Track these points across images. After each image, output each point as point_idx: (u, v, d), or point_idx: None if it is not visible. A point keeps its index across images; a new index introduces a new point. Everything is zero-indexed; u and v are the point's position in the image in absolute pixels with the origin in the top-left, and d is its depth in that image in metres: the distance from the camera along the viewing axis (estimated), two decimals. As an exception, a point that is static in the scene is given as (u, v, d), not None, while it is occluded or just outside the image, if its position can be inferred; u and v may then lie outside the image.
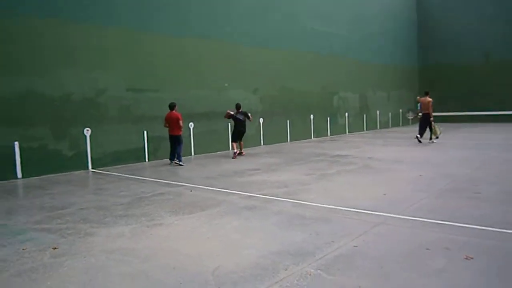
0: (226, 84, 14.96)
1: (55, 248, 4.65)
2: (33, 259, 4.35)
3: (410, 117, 15.85)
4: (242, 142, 13.47)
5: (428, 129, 15.36)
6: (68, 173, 10.42)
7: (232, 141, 13.35)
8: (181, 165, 11.28)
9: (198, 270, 3.93)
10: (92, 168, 11.00)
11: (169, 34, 12.93)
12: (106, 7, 11.39)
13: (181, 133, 11.51)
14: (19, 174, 9.70)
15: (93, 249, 4.60)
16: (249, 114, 13.30)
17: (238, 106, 13.23)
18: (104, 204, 6.87)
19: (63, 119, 10.52)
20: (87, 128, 10.96)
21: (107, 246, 4.72)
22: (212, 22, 14.30)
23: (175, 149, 11.48)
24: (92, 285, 3.68)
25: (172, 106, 11.40)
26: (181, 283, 3.66)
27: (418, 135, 15.28)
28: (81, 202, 7.05)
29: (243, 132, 13.29)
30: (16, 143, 9.66)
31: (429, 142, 15.05)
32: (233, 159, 12.42)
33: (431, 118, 15.07)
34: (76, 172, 10.54)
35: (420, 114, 15.50)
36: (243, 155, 13.31)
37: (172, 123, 11.37)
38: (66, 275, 3.90)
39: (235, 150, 12.98)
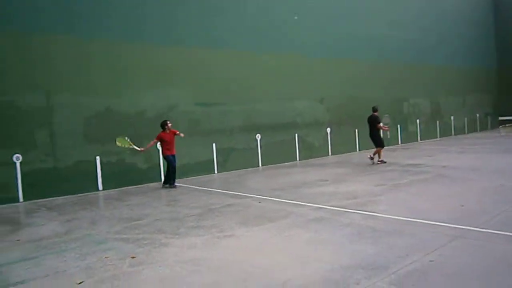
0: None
1: (133, 257, 4.91)
2: (114, 267, 4.62)
3: (502, 134, 13.84)
4: (379, 149, 12.57)
5: None
6: (144, 185, 10.97)
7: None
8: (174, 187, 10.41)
9: (268, 283, 3.95)
10: (165, 180, 11.49)
11: (236, 48, 13.26)
12: (178, 29, 11.95)
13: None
14: (100, 187, 10.39)
15: (168, 259, 4.80)
16: (379, 121, 12.55)
17: (375, 109, 12.77)
18: (176, 215, 7.15)
19: (138, 134, 11.12)
20: (159, 142, 11.48)
21: (181, 256, 4.90)
22: (280, 36, 14.46)
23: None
24: (168, 294, 3.83)
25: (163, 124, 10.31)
26: (252, 294, 3.70)
27: None
28: (156, 213, 7.39)
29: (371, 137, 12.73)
30: (98, 157, 10.38)
31: None
32: (304, 171, 12.42)
33: None
34: (151, 184, 11.07)
35: None
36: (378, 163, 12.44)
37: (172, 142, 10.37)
38: (144, 284, 4.11)
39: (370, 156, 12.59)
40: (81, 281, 4.23)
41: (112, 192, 10.21)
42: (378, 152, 12.55)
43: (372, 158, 12.50)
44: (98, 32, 10.53)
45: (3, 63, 9.24)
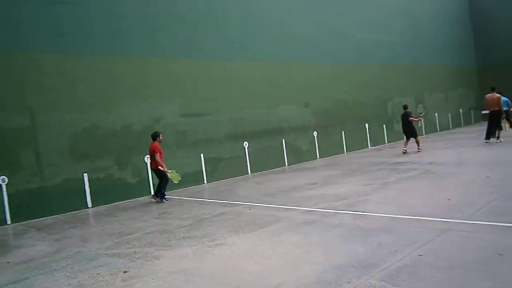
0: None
1: (125, 272, 4.89)
2: (106, 282, 4.60)
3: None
4: (417, 138, 14.62)
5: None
6: (133, 199, 10.90)
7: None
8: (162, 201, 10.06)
9: (261, 287, 3.97)
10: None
11: (218, 58, 13.32)
12: (161, 42, 11.95)
13: (159, 167, 9.98)
14: (89, 204, 10.29)
15: (160, 271, 4.79)
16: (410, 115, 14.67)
17: (406, 106, 15.07)
18: (167, 227, 7.13)
19: (125, 149, 11.08)
20: (147, 156, 11.45)
21: (173, 267, 4.89)
22: (261, 44, 14.57)
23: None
24: (161, 306, 3.83)
25: (152, 136, 10.18)
26: (245, 300, 3.72)
27: (486, 138, 14.30)
28: (147, 227, 7.36)
29: (405, 130, 14.90)
30: (85, 174, 10.30)
31: (497, 142, 14.16)
32: (290, 175, 12.49)
33: (503, 115, 13.98)
34: (140, 198, 11.01)
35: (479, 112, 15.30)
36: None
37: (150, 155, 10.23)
38: (137, 297, 4.09)
39: (404, 148, 14.53)
40: (73, 299, 4.20)
41: (102, 208, 10.12)
42: (418, 141, 14.59)
43: (420, 149, 14.42)
44: (80, 48, 10.47)
45: (-16, 85, 9.16)
